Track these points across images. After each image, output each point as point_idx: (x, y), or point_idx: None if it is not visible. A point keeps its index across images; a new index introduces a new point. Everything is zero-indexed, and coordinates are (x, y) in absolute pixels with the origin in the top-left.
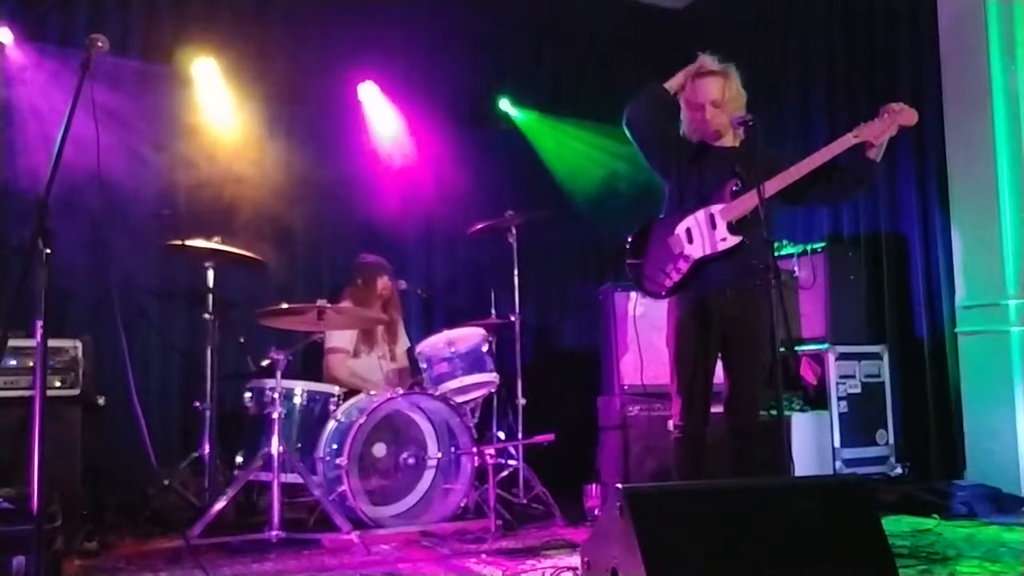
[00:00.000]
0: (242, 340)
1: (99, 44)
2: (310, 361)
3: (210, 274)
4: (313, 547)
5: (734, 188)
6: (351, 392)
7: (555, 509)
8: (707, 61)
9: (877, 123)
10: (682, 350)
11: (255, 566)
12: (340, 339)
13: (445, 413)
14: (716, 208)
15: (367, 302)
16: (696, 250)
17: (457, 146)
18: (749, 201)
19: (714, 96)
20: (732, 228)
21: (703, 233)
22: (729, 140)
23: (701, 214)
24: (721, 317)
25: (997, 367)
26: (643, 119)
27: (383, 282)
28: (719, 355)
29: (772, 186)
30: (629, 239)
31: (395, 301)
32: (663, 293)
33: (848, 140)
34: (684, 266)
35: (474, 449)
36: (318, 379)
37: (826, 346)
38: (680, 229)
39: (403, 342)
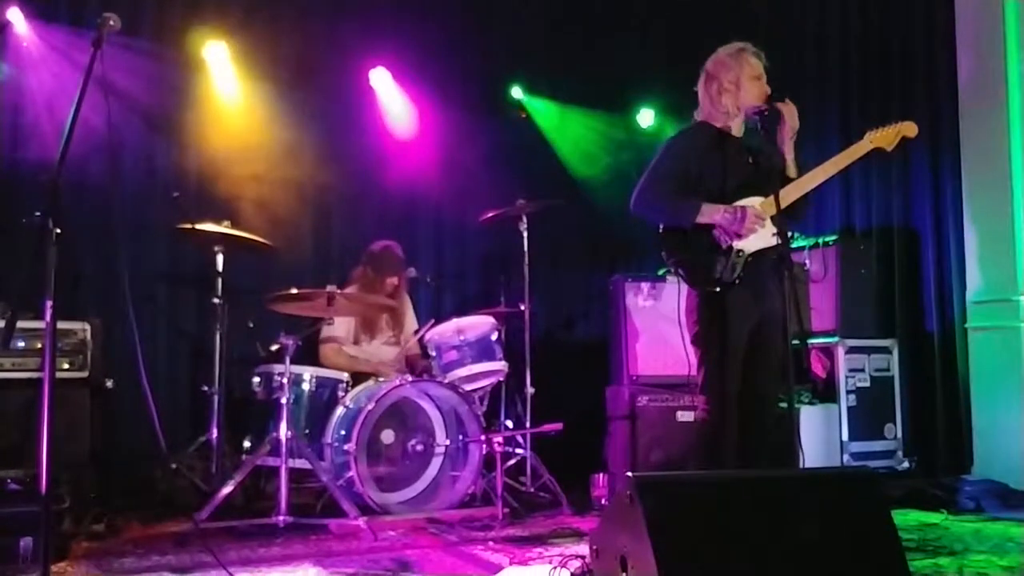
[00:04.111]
0: (251, 325)
1: (111, 23)
2: (311, 347)
3: (219, 258)
4: (320, 532)
5: (767, 180)
6: (359, 378)
7: (562, 498)
8: (749, 44)
9: (889, 131)
10: (718, 345)
11: (262, 550)
12: (335, 329)
13: (454, 401)
14: (756, 200)
15: (372, 291)
16: (749, 244)
17: (468, 134)
18: (788, 196)
19: (763, 73)
20: (774, 222)
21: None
22: (738, 129)
23: (752, 206)
24: (751, 311)
25: (1007, 363)
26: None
27: (392, 281)
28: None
29: (802, 186)
30: (661, 230)
31: (401, 289)
32: (718, 289)
33: (864, 146)
34: (740, 261)
35: (482, 437)
36: (316, 364)
37: (836, 339)
38: None
39: (410, 325)
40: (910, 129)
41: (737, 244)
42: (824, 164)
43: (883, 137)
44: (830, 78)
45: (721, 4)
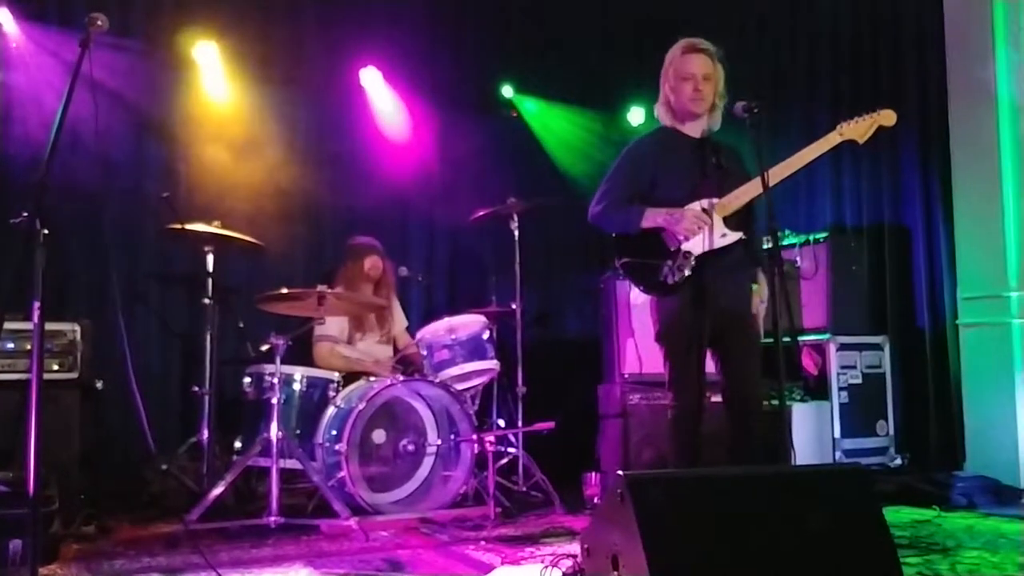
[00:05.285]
0: (241, 325)
1: (99, 23)
2: (302, 347)
3: (210, 258)
4: (311, 533)
5: (726, 180)
6: (351, 378)
7: (554, 497)
8: (702, 41)
9: (862, 122)
10: (678, 346)
11: (253, 551)
12: (329, 327)
13: (445, 400)
14: (708, 202)
15: (356, 284)
16: (696, 245)
17: (459, 133)
18: (743, 195)
19: (706, 70)
20: (728, 223)
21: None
22: (697, 129)
23: (694, 207)
24: (712, 309)
25: (998, 359)
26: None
27: (371, 262)
28: (709, 344)
29: (760, 185)
30: (614, 235)
31: (387, 281)
32: (664, 292)
33: (834, 138)
34: (687, 263)
35: (474, 436)
36: (311, 365)
37: (827, 336)
38: None
39: (400, 322)
40: (887, 119)
41: (684, 246)
42: (789, 159)
43: (855, 129)
44: (820, 77)
45: (710, 3)
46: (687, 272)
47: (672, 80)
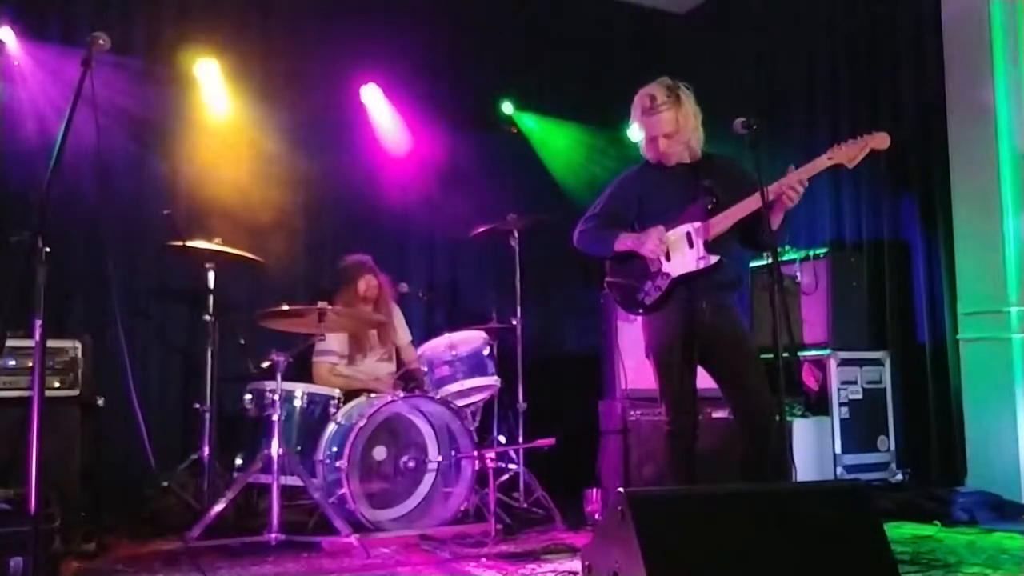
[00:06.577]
0: (242, 342)
1: (100, 42)
2: (302, 363)
3: (211, 275)
4: (312, 550)
5: (709, 206)
6: (351, 394)
7: (555, 513)
8: (658, 95)
9: (853, 145)
10: (665, 362)
11: (254, 568)
12: (330, 343)
13: (446, 416)
14: (693, 227)
15: (354, 306)
16: (675, 268)
17: (459, 149)
18: (726, 220)
19: (667, 129)
20: (708, 246)
21: (680, 250)
22: (684, 157)
23: (679, 231)
24: (699, 329)
25: (998, 374)
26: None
27: (365, 283)
28: (701, 362)
29: (748, 207)
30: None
31: (384, 295)
32: (642, 311)
33: (823, 162)
34: (664, 284)
35: (474, 453)
36: (311, 382)
37: (828, 352)
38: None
39: (403, 335)
40: (881, 142)
41: (664, 268)
42: (775, 184)
43: (844, 153)
44: (820, 93)
45: (709, 21)
46: (655, 294)
47: (640, 135)
